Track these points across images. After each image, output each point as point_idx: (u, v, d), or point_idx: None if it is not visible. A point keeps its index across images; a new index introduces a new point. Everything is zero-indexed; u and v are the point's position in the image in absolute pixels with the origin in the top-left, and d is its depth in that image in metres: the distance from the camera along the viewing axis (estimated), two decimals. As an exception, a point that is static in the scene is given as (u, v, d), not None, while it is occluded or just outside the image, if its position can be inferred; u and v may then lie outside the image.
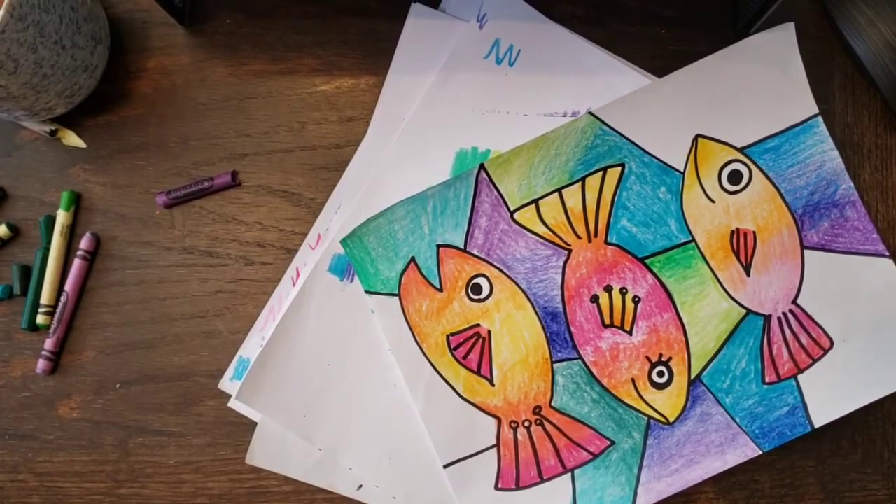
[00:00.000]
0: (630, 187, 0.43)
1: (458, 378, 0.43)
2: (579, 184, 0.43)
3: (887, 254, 0.42)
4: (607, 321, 0.43)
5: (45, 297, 0.45)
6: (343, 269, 0.44)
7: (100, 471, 0.45)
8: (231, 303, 0.45)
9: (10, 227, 0.46)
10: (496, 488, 0.42)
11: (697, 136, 0.43)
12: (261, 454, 0.44)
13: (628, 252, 0.43)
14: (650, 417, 0.42)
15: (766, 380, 0.42)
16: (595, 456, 0.42)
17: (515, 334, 0.43)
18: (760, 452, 0.42)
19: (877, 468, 0.44)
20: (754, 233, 0.43)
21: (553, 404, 0.43)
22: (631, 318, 0.43)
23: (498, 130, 0.44)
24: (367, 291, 0.43)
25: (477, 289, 0.43)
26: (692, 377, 0.42)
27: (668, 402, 0.42)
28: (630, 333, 0.43)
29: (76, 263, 0.45)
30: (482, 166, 0.43)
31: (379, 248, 0.43)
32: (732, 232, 0.43)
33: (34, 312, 0.45)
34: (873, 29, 0.44)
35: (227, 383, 0.45)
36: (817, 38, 0.45)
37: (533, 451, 0.42)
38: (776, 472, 0.44)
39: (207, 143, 0.46)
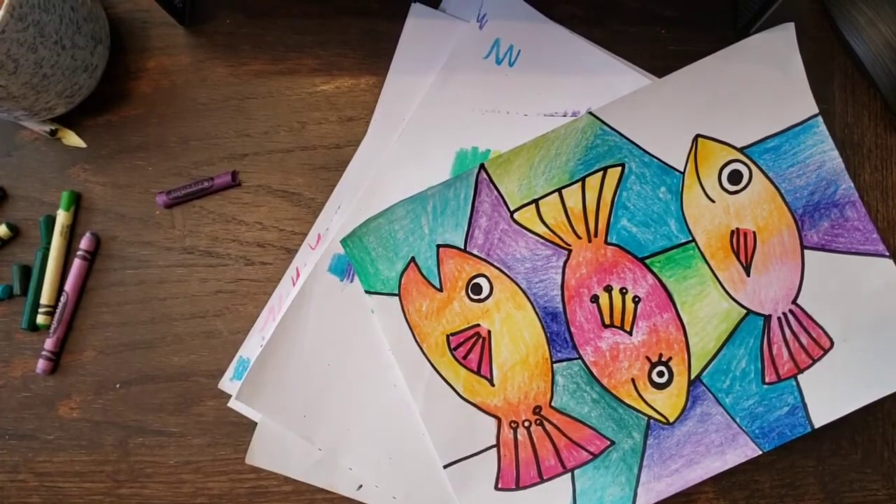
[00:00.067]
0: (630, 187, 0.43)
1: (458, 378, 0.43)
2: (579, 184, 0.43)
3: (887, 254, 0.42)
4: (607, 321, 0.43)
5: (45, 297, 0.45)
6: (343, 269, 0.44)
7: (100, 471, 0.45)
8: (231, 303, 0.45)
9: (10, 227, 0.46)
10: (496, 488, 0.42)
11: (697, 136, 0.43)
12: (261, 454, 0.44)
13: (628, 252, 0.43)
14: (650, 417, 0.42)
15: (766, 380, 0.42)
16: (595, 456, 0.42)
17: (515, 334, 0.43)
18: (760, 452, 0.42)
19: (877, 468, 0.44)
20: (754, 233, 0.43)
21: (553, 404, 0.43)
22: (631, 318, 0.43)
23: (498, 130, 0.44)
24: (367, 291, 0.43)
25: (477, 289, 0.43)
26: (692, 377, 0.42)
27: (668, 402, 0.42)
28: (630, 333, 0.43)
29: (76, 263, 0.45)
30: (482, 166, 0.43)
31: (379, 248, 0.43)
32: (732, 232, 0.43)
33: (34, 312, 0.45)
34: (873, 29, 0.44)
35: (227, 383, 0.45)
36: (817, 38, 0.45)
37: (533, 451, 0.42)
38: (776, 472, 0.44)
39: (207, 143, 0.46)
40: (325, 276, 0.44)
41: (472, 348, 0.43)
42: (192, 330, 0.45)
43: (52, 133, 0.46)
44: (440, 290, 0.43)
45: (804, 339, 0.42)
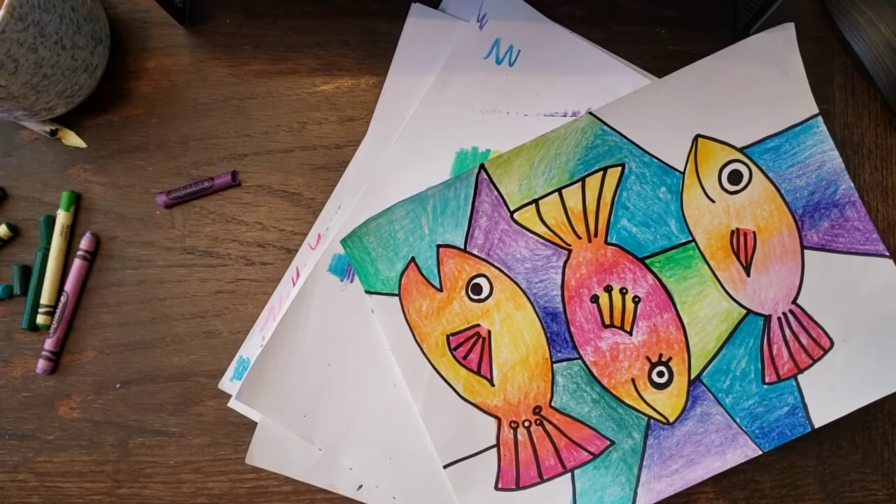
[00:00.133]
0: (630, 187, 0.43)
1: (458, 378, 0.43)
2: (579, 184, 0.43)
3: (887, 254, 0.42)
4: (607, 321, 0.43)
5: (46, 297, 0.45)
6: (343, 269, 0.44)
7: (100, 471, 0.45)
8: (231, 303, 0.45)
9: (10, 227, 0.46)
10: (496, 488, 0.42)
11: (697, 136, 0.43)
12: (261, 454, 0.44)
13: (628, 252, 0.43)
14: (650, 417, 0.42)
15: (766, 380, 0.42)
16: (595, 456, 0.42)
17: (515, 334, 0.43)
18: (760, 452, 0.42)
19: (877, 468, 0.44)
20: (754, 233, 0.43)
21: (553, 404, 0.43)
22: (631, 319, 0.43)
23: (498, 130, 0.44)
24: (367, 291, 0.43)
25: (477, 289, 0.43)
26: (692, 377, 0.42)
27: (668, 402, 0.42)
28: (630, 333, 0.43)
29: (76, 263, 0.45)
30: (482, 166, 0.43)
31: (379, 248, 0.43)
32: (732, 232, 0.43)
33: (34, 312, 0.45)
34: (873, 29, 0.44)
35: (227, 383, 0.45)
36: (817, 38, 0.45)
37: (533, 451, 0.42)
38: (776, 472, 0.44)
39: (207, 143, 0.46)
40: (325, 276, 0.44)
41: (472, 348, 0.43)
42: (192, 330, 0.45)
43: (53, 133, 0.46)
44: (440, 290, 0.43)
45: (804, 339, 0.42)
